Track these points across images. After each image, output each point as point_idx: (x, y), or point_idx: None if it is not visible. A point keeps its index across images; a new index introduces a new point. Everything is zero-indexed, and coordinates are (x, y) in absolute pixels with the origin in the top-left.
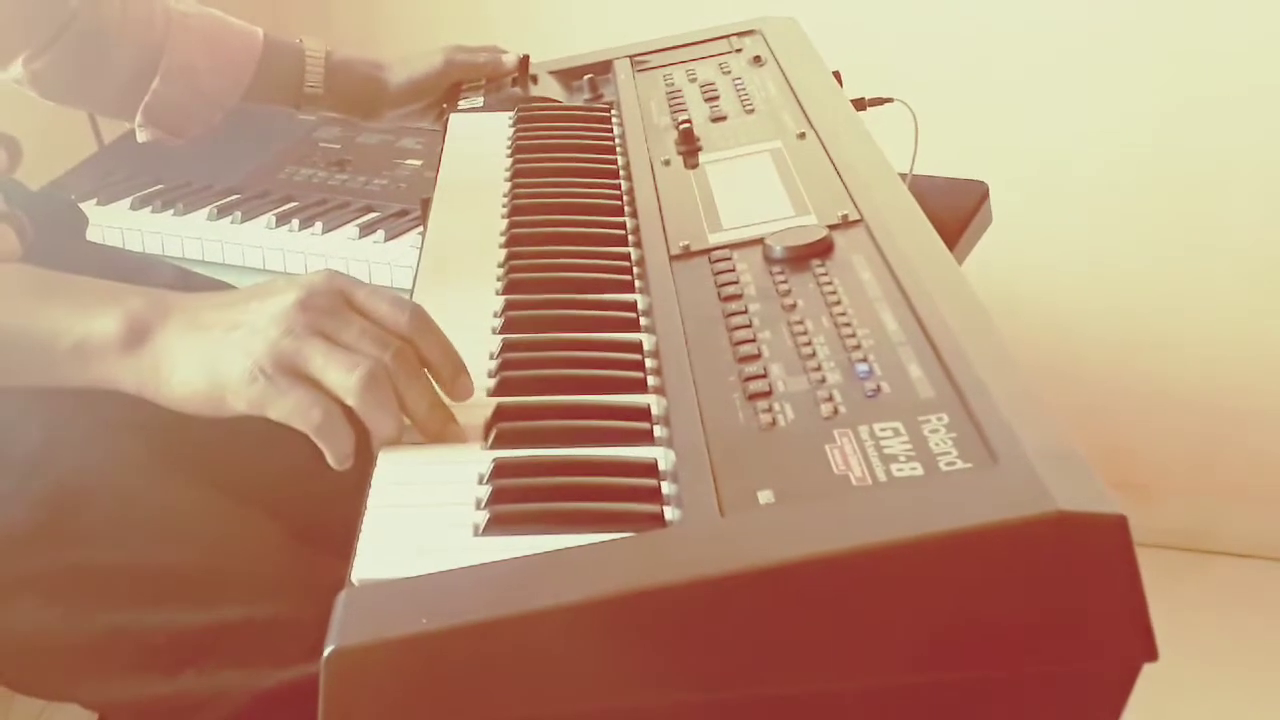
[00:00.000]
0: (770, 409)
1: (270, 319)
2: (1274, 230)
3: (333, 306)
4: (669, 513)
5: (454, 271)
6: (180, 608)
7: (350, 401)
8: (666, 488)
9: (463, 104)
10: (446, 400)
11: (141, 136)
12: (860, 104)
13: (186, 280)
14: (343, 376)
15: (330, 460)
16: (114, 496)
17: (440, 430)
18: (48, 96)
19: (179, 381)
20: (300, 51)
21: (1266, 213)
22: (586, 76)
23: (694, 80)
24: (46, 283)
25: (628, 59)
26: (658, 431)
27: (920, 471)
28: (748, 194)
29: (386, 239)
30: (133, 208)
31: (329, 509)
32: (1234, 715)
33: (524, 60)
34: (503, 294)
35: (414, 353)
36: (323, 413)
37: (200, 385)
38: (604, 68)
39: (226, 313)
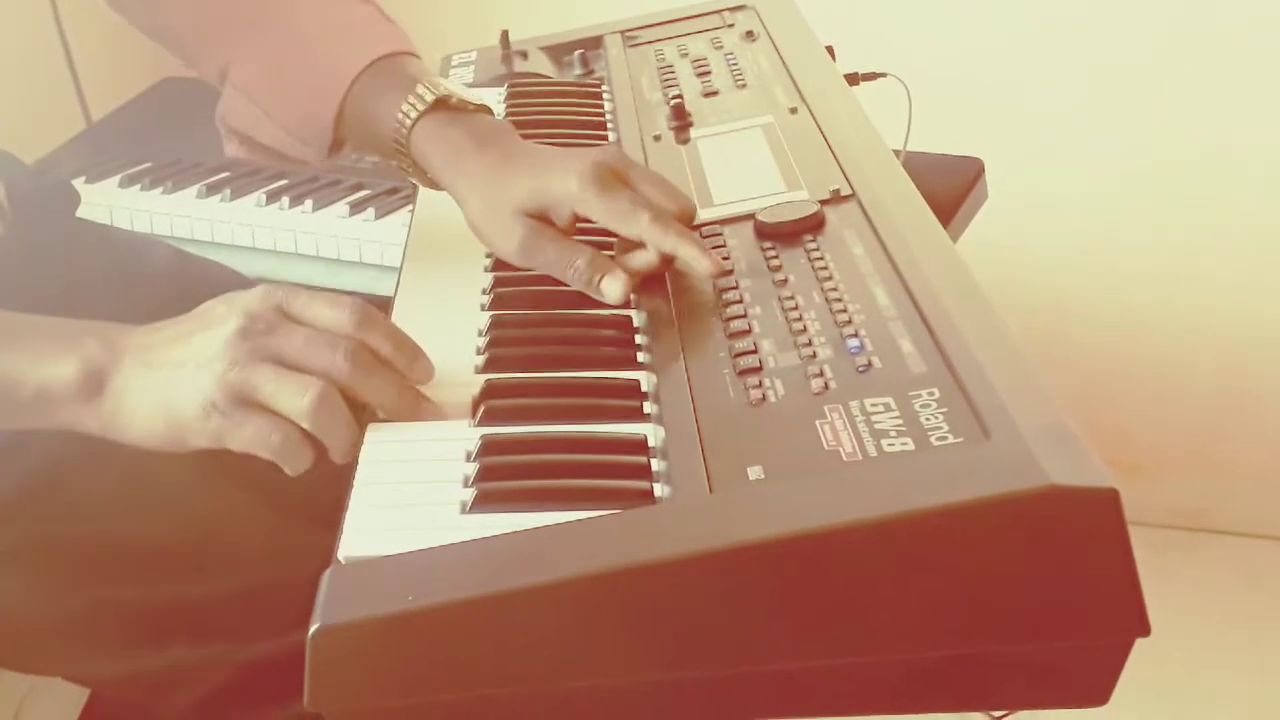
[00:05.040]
0: (761, 385)
1: (215, 352)
2: (1273, 209)
3: (273, 324)
4: (658, 489)
5: (443, 248)
6: (166, 580)
7: (305, 424)
8: (656, 464)
9: (453, 78)
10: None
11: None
12: (853, 79)
13: (182, 260)
14: (294, 401)
15: (288, 471)
16: (98, 470)
17: (414, 412)
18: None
19: (139, 425)
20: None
21: (1266, 191)
22: (577, 52)
23: (685, 55)
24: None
25: (619, 34)
26: (647, 408)
27: (911, 446)
28: (739, 169)
29: (377, 217)
30: (121, 186)
31: (316, 483)
32: (1230, 694)
33: (503, 35)
34: (492, 270)
35: (365, 347)
36: (281, 438)
37: (159, 426)
38: (595, 43)
39: (173, 350)
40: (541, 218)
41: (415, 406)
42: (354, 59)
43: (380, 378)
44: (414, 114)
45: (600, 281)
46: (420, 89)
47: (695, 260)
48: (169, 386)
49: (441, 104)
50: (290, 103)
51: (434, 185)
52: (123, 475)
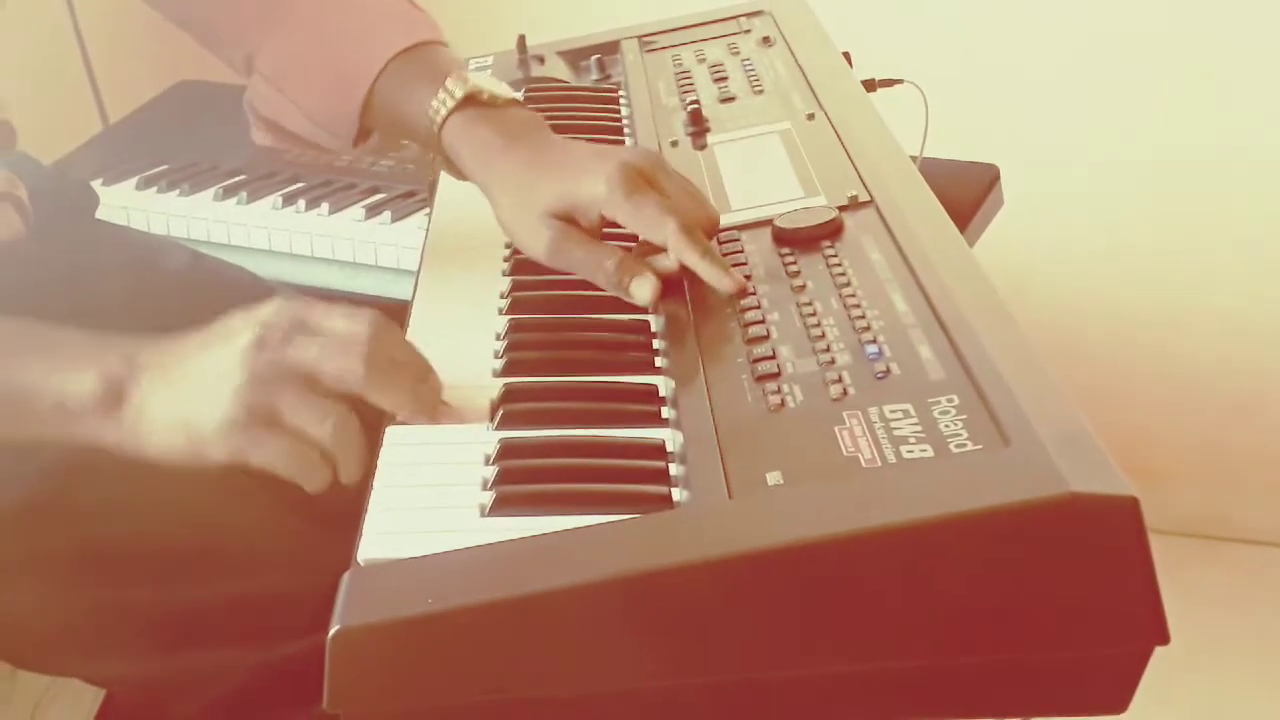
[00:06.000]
0: (779, 390)
1: (233, 364)
2: None
3: (289, 336)
4: (677, 494)
5: (461, 252)
6: (183, 583)
7: (324, 446)
8: (674, 469)
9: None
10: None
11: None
12: (870, 85)
13: (197, 262)
14: (315, 426)
15: (308, 490)
16: (117, 473)
17: (430, 416)
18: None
19: (158, 439)
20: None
21: (1278, 196)
22: (594, 57)
23: (702, 61)
24: (22, 338)
25: (636, 39)
26: (666, 413)
27: (930, 453)
28: (757, 175)
29: (393, 220)
30: (138, 188)
31: (334, 486)
32: (1245, 702)
33: (520, 40)
34: (510, 275)
35: (382, 352)
36: (301, 457)
37: (178, 441)
38: (612, 48)
39: (192, 364)
40: (570, 219)
41: (432, 410)
42: (379, 50)
43: (396, 382)
44: (444, 110)
45: (629, 284)
46: (450, 83)
47: (717, 280)
48: (189, 401)
49: (472, 99)
50: (316, 93)
51: (465, 178)
52: (140, 479)
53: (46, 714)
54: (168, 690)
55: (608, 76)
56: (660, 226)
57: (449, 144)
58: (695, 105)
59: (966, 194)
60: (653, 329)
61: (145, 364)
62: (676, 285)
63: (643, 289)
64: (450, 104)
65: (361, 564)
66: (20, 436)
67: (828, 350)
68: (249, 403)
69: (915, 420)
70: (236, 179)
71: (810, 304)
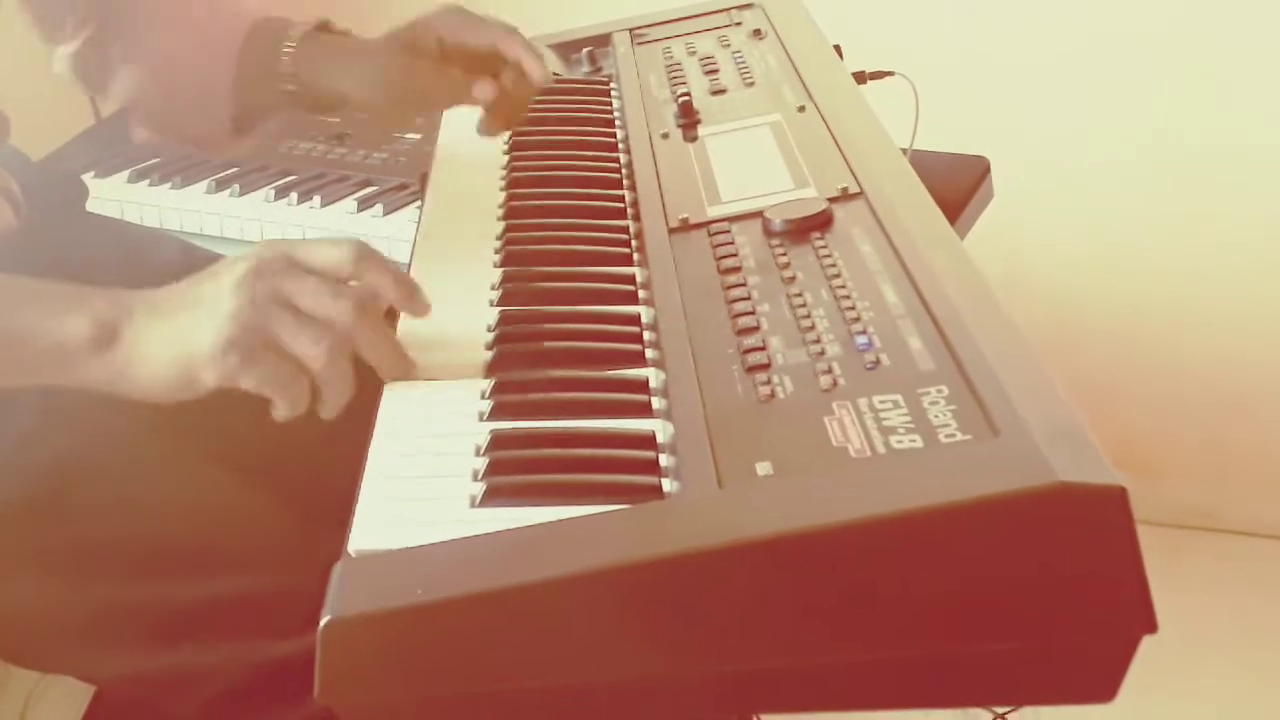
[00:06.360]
0: (769, 381)
1: (229, 291)
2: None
3: (284, 268)
4: (667, 485)
5: (452, 245)
6: (177, 580)
7: (316, 369)
8: (664, 460)
9: None
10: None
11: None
12: (860, 77)
13: (189, 254)
14: (310, 348)
15: (279, 413)
16: (112, 470)
17: (404, 373)
18: (90, 88)
19: (150, 371)
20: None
21: (1273, 189)
22: (585, 49)
23: (693, 53)
24: (13, 288)
25: (627, 32)
26: (656, 404)
27: (920, 443)
28: (747, 167)
29: (385, 213)
30: (130, 180)
31: (326, 480)
32: (1235, 692)
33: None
34: (501, 266)
35: (371, 298)
36: (292, 380)
37: (172, 371)
38: (603, 41)
39: (184, 295)
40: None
41: (407, 368)
42: (242, 22)
43: (381, 334)
44: (297, 38)
45: (474, 86)
46: (300, 22)
47: (527, 63)
48: (184, 328)
49: (325, 26)
50: (190, 69)
51: (328, 102)
52: (135, 477)
53: (37, 710)
54: (163, 687)
55: (599, 69)
56: (484, 29)
57: (309, 63)
58: (686, 97)
59: (957, 186)
60: (643, 320)
61: (133, 303)
62: (668, 277)
63: (482, 87)
64: (304, 30)
65: (352, 555)
66: (16, 382)
67: (818, 341)
68: (246, 323)
69: (905, 411)
70: (229, 171)
71: (800, 295)
